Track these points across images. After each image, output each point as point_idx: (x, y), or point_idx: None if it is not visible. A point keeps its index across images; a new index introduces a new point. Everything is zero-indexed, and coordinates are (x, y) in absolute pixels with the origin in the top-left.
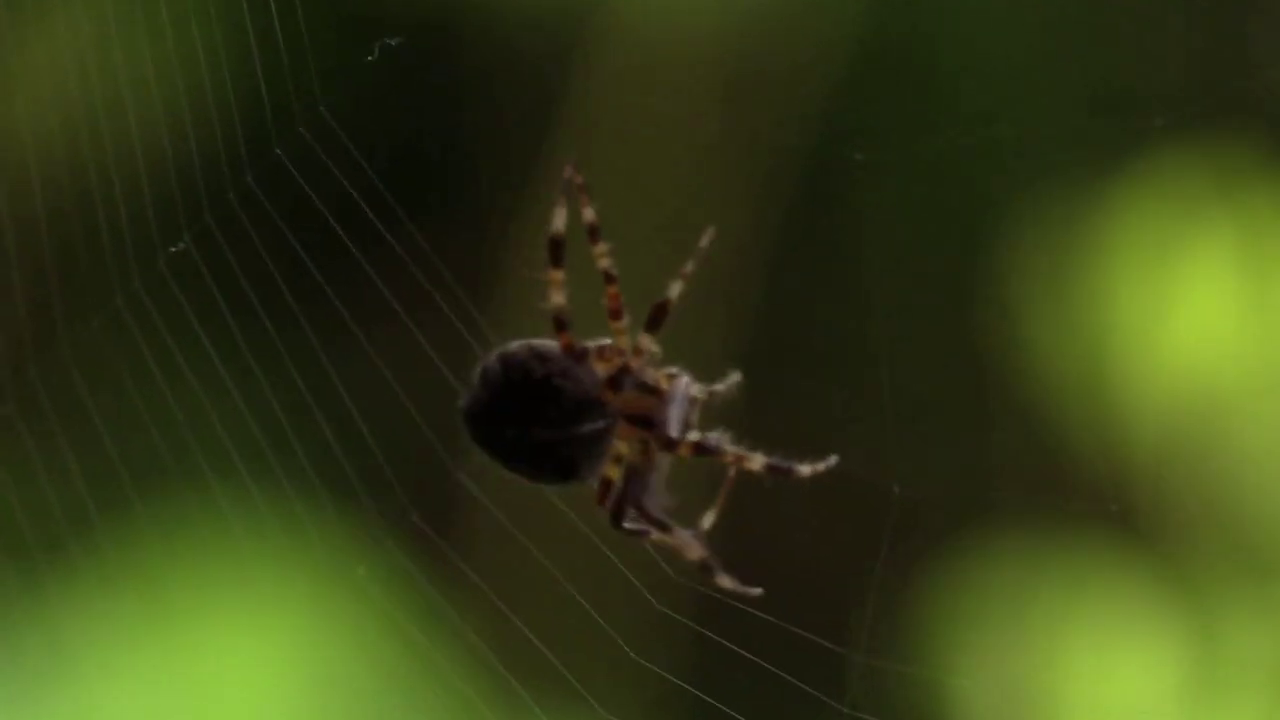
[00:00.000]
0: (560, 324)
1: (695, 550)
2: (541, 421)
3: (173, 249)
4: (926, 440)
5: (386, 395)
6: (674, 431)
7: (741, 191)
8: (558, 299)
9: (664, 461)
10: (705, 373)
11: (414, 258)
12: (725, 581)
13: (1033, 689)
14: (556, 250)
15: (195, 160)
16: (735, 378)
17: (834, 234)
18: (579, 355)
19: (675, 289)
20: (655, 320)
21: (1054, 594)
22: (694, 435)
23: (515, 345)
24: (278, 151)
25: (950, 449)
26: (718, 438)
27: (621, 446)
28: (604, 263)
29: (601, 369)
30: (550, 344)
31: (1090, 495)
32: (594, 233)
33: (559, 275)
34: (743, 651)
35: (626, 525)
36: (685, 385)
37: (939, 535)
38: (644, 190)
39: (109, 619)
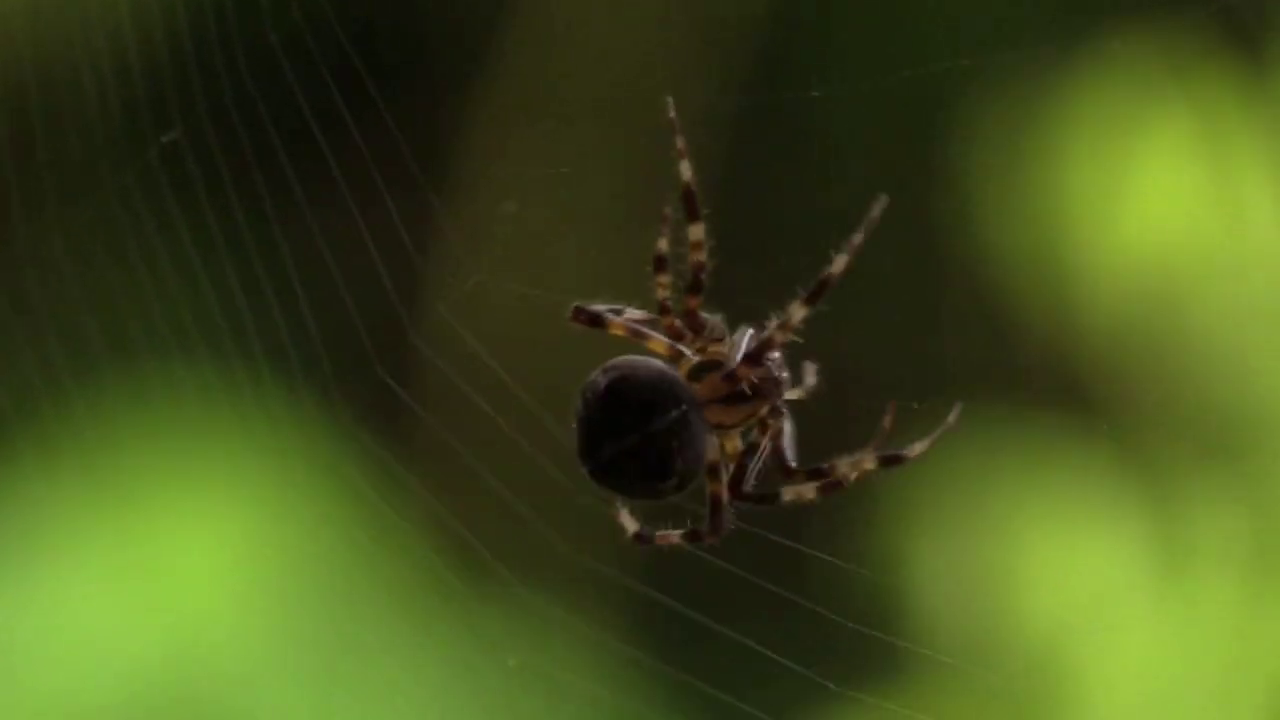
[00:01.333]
0: (697, 285)
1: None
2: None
3: (164, 139)
4: (881, 327)
5: (346, 272)
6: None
7: (701, 67)
8: (698, 257)
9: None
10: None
11: (376, 138)
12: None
13: (994, 576)
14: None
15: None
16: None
17: (794, 116)
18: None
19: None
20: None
21: (1013, 481)
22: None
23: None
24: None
25: (905, 335)
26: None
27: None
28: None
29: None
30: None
31: (1048, 380)
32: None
33: (699, 232)
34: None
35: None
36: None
37: (894, 423)
38: (603, 62)
39: (61, 500)
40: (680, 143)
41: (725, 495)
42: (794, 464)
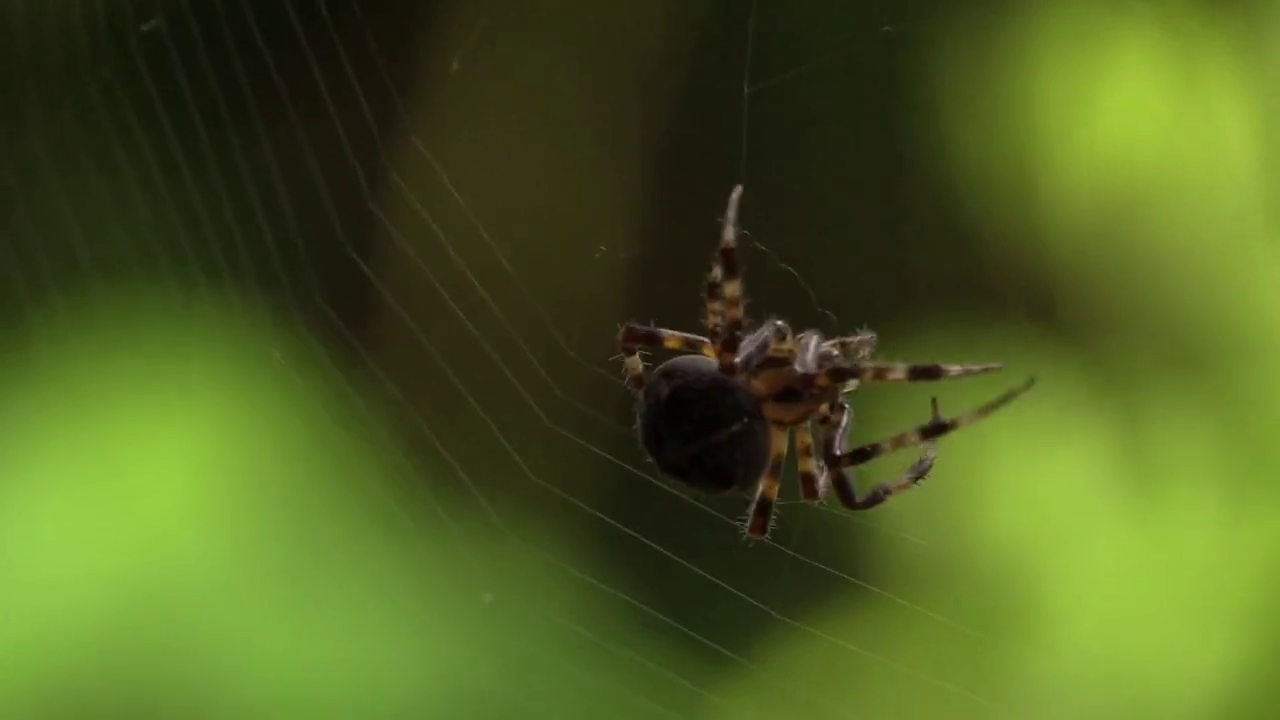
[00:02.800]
0: (733, 342)
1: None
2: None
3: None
4: (849, 240)
5: (309, 181)
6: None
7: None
8: (734, 313)
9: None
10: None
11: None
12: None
13: (960, 490)
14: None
15: None
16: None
17: (759, 34)
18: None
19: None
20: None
21: (979, 393)
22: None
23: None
24: None
25: (873, 248)
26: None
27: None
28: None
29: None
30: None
31: (1016, 292)
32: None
33: (735, 289)
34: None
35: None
36: (815, 343)
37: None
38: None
39: (26, 411)
40: (731, 213)
41: (774, 497)
42: (840, 451)
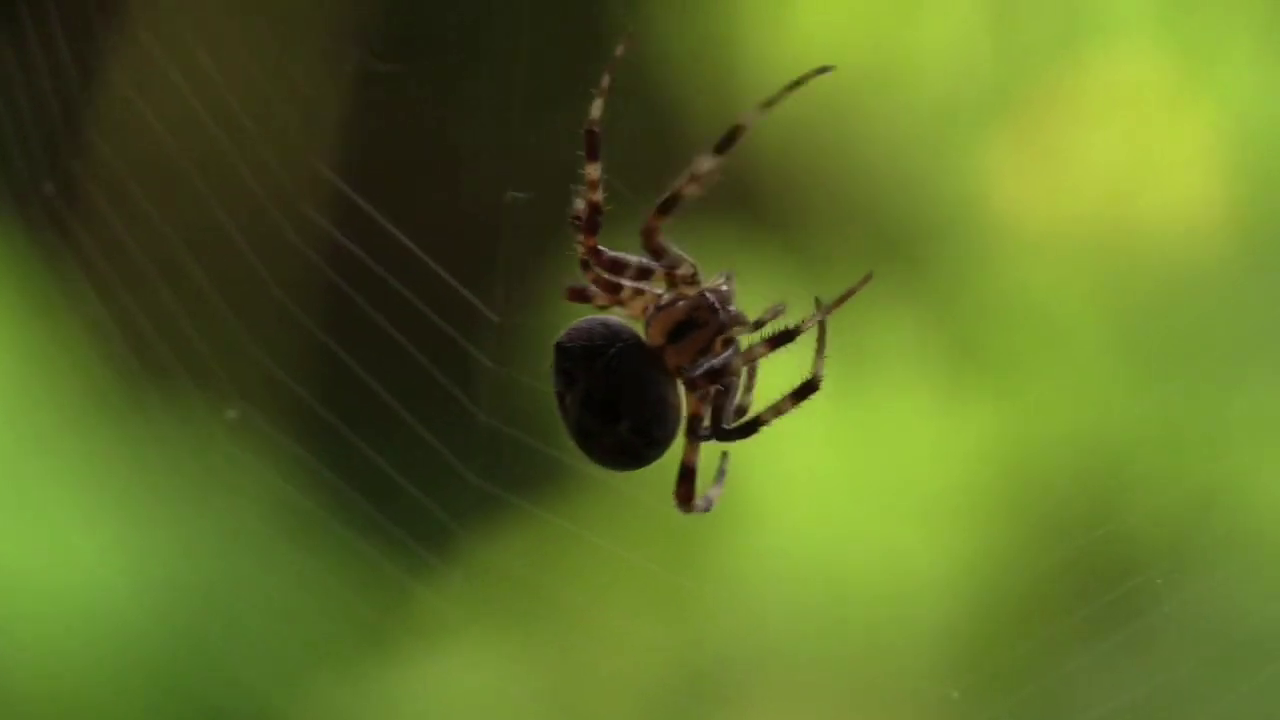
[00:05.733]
0: (593, 225)
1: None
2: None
3: None
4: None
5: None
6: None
7: None
8: (594, 196)
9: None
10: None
11: None
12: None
13: None
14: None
15: None
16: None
17: None
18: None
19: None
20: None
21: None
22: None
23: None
24: None
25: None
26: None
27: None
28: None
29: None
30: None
31: (717, 189)
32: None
33: (595, 171)
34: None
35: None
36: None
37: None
38: None
39: None
40: (605, 80)
41: (694, 462)
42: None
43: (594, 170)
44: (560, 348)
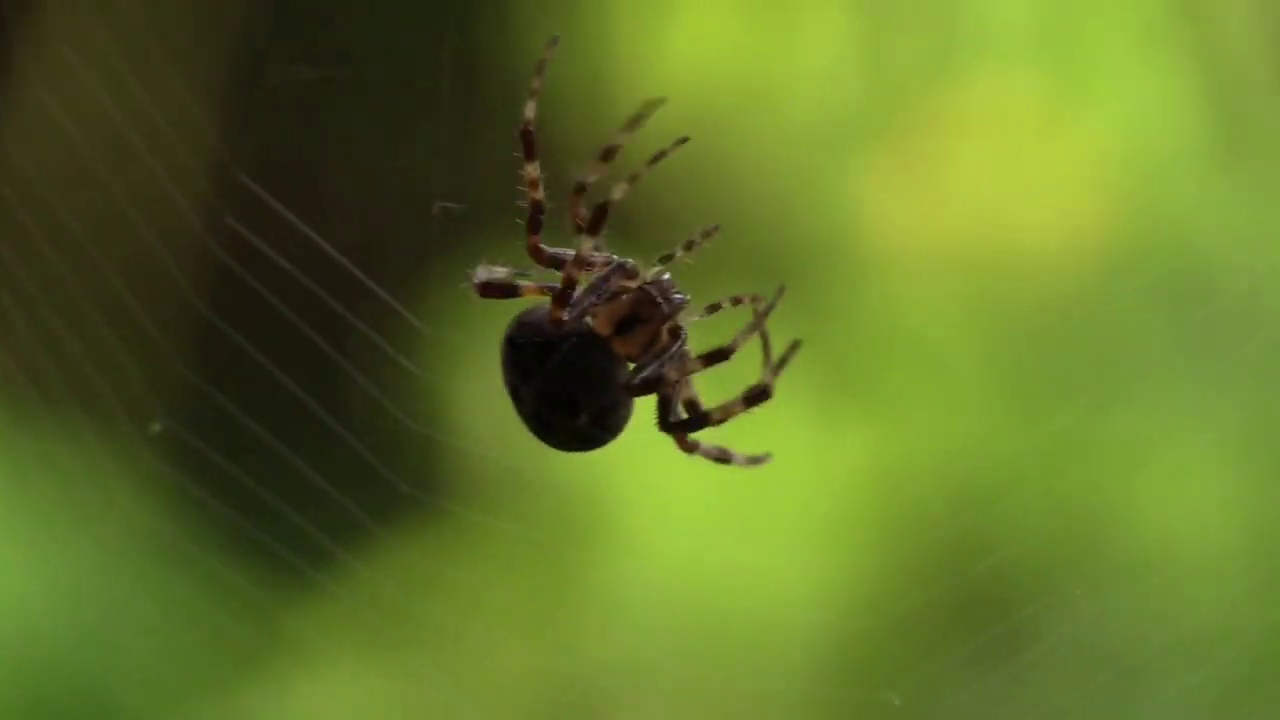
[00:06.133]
0: (535, 224)
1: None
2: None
3: None
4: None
5: None
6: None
7: None
8: (535, 195)
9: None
10: None
11: None
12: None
13: None
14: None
15: None
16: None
17: None
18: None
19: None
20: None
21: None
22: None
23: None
24: None
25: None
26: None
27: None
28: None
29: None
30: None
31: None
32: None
33: (533, 170)
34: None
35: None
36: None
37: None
38: None
39: None
40: (536, 83)
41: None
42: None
43: (533, 169)
44: (511, 342)
